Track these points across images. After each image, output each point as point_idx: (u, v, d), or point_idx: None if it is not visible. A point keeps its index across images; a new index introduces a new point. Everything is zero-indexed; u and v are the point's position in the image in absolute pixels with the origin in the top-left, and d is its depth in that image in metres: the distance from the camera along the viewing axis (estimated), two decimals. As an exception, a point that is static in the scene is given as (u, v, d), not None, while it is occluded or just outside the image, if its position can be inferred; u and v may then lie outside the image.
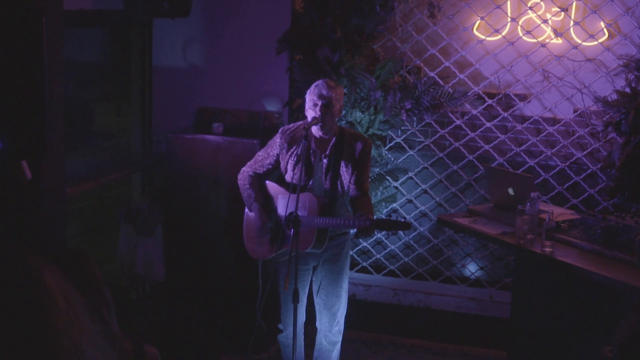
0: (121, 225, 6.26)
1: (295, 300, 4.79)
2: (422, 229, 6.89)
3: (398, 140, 6.79)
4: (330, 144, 5.13)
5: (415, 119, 6.61)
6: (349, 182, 5.11)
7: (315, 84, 5.10)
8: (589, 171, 6.40)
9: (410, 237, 6.90)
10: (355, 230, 5.28)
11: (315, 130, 5.10)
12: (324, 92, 5.02)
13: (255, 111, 6.76)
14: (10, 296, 1.65)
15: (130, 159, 6.96)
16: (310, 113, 5.09)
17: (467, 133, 6.68)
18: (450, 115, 6.65)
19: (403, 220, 4.88)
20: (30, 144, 4.08)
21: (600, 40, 6.27)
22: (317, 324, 5.45)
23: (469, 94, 6.53)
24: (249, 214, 5.38)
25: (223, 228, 6.36)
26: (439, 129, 6.72)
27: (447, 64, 6.59)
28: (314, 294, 5.40)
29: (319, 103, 5.02)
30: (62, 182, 4.83)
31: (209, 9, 6.77)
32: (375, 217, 5.23)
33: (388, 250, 6.93)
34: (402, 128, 6.74)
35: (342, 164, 5.10)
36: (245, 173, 5.36)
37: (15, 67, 4.05)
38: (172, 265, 6.43)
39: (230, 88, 6.83)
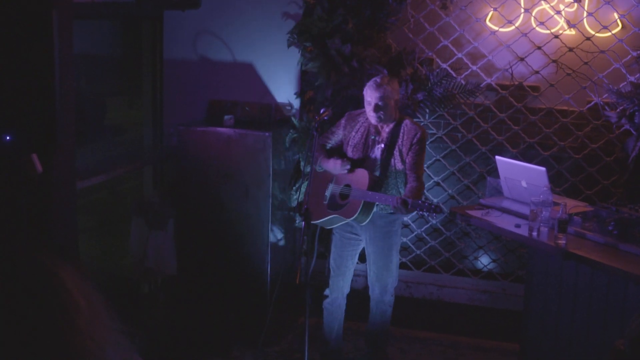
0: (133, 219, 6.26)
1: (308, 294, 5.04)
2: (434, 222, 6.87)
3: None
4: (388, 129, 5.42)
5: (427, 110, 6.58)
6: (403, 165, 5.39)
7: (369, 84, 5.41)
8: (602, 163, 6.36)
9: (423, 229, 6.89)
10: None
11: (372, 119, 5.39)
12: (368, 95, 5.36)
13: (267, 103, 6.74)
14: (31, 299, 1.65)
15: (142, 152, 6.95)
16: (367, 109, 5.42)
17: (479, 125, 6.66)
18: (463, 107, 6.62)
19: (436, 203, 5.09)
20: (41, 138, 4.08)
21: (613, 32, 6.23)
22: (370, 292, 5.78)
23: (481, 85, 6.50)
24: (315, 178, 5.67)
25: (235, 220, 6.35)
26: (451, 121, 6.70)
27: (459, 55, 6.56)
28: (367, 269, 5.75)
29: (370, 104, 5.36)
30: (72, 175, 4.83)
31: (219, 1, 6.75)
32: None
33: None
34: (414, 120, 6.71)
35: (397, 149, 5.39)
36: (318, 142, 5.67)
37: (26, 61, 4.05)
38: (183, 258, 6.43)
39: (242, 80, 6.82)
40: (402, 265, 6.95)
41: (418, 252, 6.90)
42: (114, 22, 6.79)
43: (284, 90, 6.76)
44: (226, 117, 6.44)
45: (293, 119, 6.60)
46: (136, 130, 7.11)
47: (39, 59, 4.05)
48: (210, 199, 6.38)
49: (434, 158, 6.79)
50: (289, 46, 6.47)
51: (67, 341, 1.64)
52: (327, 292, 5.78)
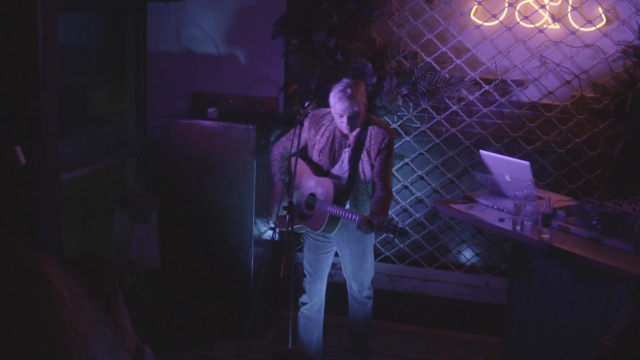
0: (116, 211, 6.23)
1: (292, 286, 5.08)
2: (417, 215, 6.87)
3: (394, 126, 6.75)
4: (354, 133, 5.29)
5: (411, 104, 6.58)
6: (370, 172, 5.30)
7: (337, 95, 5.20)
8: (586, 157, 6.38)
9: (406, 223, 6.87)
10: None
11: (345, 129, 5.26)
12: (339, 108, 5.19)
13: (251, 96, 6.73)
14: (13, 292, 1.64)
15: (125, 145, 6.92)
16: (337, 120, 5.26)
17: (463, 119, 6.66)
18: (447, 101, 6.62)
19: (401, 226, 4.98)
20: (25, 130, 4.06)
21: (598, 26, 6.24)
22: (348, 288, 5.74)
23: (465, 79, 6.49)
24: (276, 184, 5.65)
25: (218, 213, 6.33)
26: (435, 115, 6.69)
27: (443, 49, 6.56)
28: (342, 268, 5.69)
29: (343, 116, 5.20)
30: (56, 167, 4.81)
31: (204, -7, 6.73)
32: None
33: (384, 236, 6.91)
34: (398, 114, 6.72)
35: (364, 153, 5.28)
36: (277, 149, 5.62)
37: (10, 52, 4.02)
38: (167, 251, 6.41)
39: (225, 73, 6.80)
40: (386, 259, 6.96)
41: (401, 245, 6.91)
42: (97, 13, 6.75)
43: (268, 82, 6.75)
44: (210, 109, 6.42)
45: (277, 112, 6.59)
46: (119, 123, 7.08)
47: (23, 51, 4.02)
48: (194, 192, 6.36)
49: (418, 152, 6.79)
50: (273, 39, 6.44)
51: (51, 333, 1.63)
52: (303, 299, 5.65)
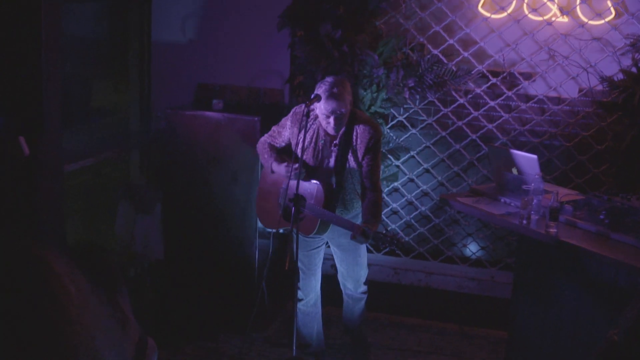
0: (120, 203, 6.21)
1: (296, 279, 4.98)
2: (423, 209, 6.84)
3: (400, 118, 6.72)
4: (340, 132, 5.16)
5: (418, 97, 6.54)
6: (358, 171, 5.18)
7: (323, 95, 5.00)
8: (593, 151, 6.34)
9: (411, 216, 6.86)
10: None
11: (332, 130, 5.10)
12: (326, 109, 5.01)
13: (256, 87, 6.70)
14: (19, 287, 1.62)
15: (129, 136, 6.90)
16: (323, 120, 5.10)
17: (470, 112, 6.62)
18: (454, 93, 6.58)
19: (398, 237, 4.93)
20: (28, 120, 4.04)
21: (607, 19, 6.19)
22: (342, 287, 5.70)
23: (472, 72, 6.45)
24: (264, 182, 5.51)
25: (222, 205, 6.31)
26: (441, 108, 6.65)
27: (451, 41, 6.51)
28: (337, 265, 5.62)
29: (330, 117, 5.03)
30: (59, 158, 4.79)
31: (209, -16, 6.70)
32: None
33: (389, 229, 6.88)
34: (405, 106, 6.68)
35: (351, 152, 5.16)
36: (263, 141, 5.47)
37: (13, 43, 4.00)
38: (170, 243, 6.39)
39: (231, 64, 6.77)
40: (391, 252, 6.93)
41: (407, 239, 6.87)
42: (101, 3, 6.72)
43: (273, 74, 6.71)
44: (215, 101, 6.39)
45: (283, 103, 6.56)
46: (123, 114, 7.06)
47: (26, 42, 3.99)
48: (198, 184, 6.33)
49: (424, 145, 6.76)
50: (279, 30, 6.40)
51: (58, 330, 1.61)
52: (299, 295, 5.53)
